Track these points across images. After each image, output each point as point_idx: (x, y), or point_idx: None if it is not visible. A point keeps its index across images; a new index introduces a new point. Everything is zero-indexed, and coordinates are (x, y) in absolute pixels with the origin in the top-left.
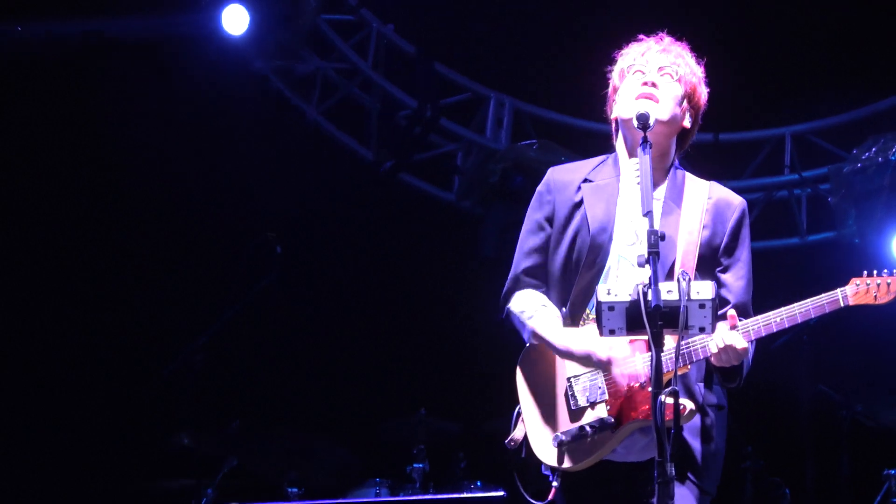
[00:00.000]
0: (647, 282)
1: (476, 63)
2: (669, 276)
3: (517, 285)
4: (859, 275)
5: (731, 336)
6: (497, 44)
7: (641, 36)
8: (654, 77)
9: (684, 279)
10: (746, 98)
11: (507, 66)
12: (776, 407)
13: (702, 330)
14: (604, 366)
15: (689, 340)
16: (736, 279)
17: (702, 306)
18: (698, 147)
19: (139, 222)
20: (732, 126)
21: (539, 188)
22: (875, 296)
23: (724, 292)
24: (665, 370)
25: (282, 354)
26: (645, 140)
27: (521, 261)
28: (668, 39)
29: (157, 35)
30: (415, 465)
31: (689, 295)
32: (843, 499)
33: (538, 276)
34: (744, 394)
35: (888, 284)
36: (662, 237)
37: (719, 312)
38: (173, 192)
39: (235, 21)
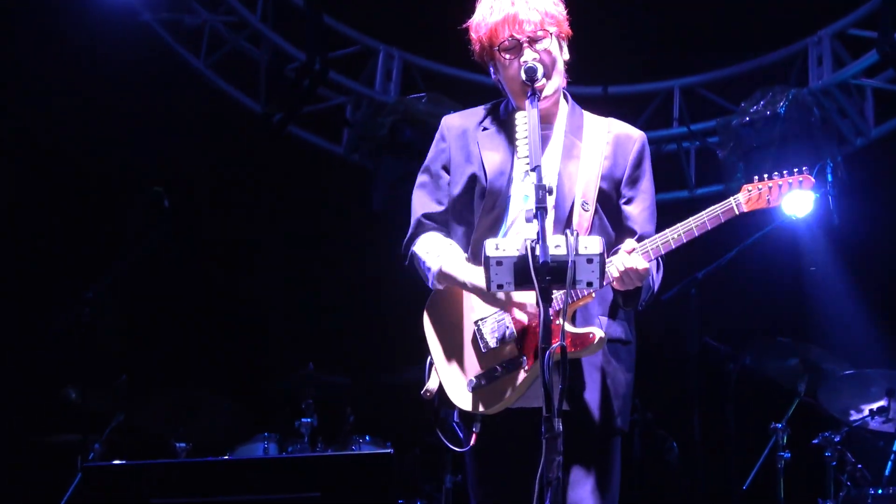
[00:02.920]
0: (535, 237)
1: (365, 16)
2: (570, 215)
3: (420, 229)
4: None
5: (631, 258)
6: None
7: None
8: (532, 53)
9: (573, 235)
10: (635, 51)
11: (396, 19)
12: (664, 360)
13: (589, 285)
14: (506, 305)
15: None
16: (640, 210)
17: (589, 261)
18: (587, 100)
19: (24, 173)
20: (621, 79)
21: (437, 135)
22: (768, 199)
23: (629, 223)
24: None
25: (170, 308)
26: (533, 92)
27: (422, 206)
28: None
29: None
30: (303, 420)
31: (576, 250)
32: (730, 452)
33: (439, 221)
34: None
35: (779, 186)
36: (550, 192)
37: (625, 243)
38: (60, 143)
39: None
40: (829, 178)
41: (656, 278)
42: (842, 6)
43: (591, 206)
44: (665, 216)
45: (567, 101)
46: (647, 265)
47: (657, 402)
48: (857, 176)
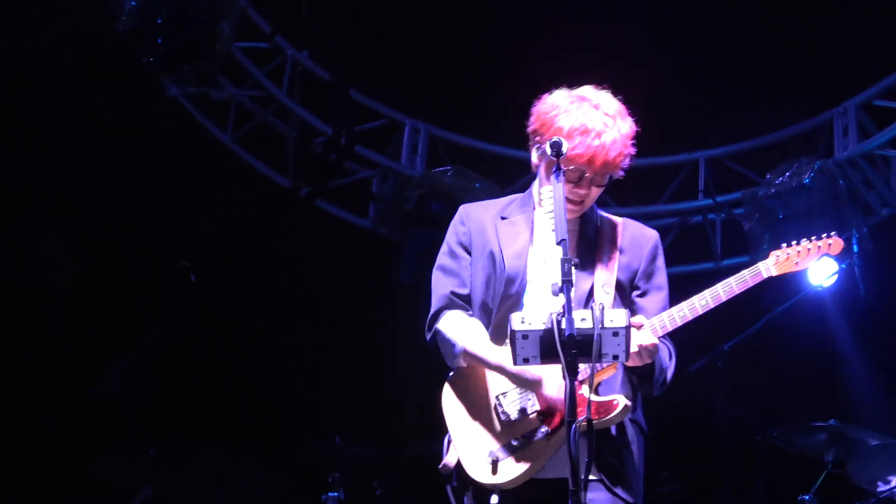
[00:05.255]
0: (561, 310)
1: (391, 90)
2: (587, 303)
3: (446, 305)
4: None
5: (640, 335)
6: (411, 70)
7: (586, 96)
8: (586, 188)
9: (598, 308)
10: (660, 123)
11: (421, 93)
12: (692, 432)
13: (615, 358)
14: (533, 385)
15: None
16: (653, 303)
17: (615, 334)
18: None
19: (56, 245)
20: (646, 151)
21: (454, 220)
22: (797, 262)
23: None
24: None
25: (196, 382)
26: (558, 168)
27: (445, 285)
28: (612, 132)
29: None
30: (330, 494)
31: (602, 323)
32: None
33: (463, 300)
34: (660, 418)
35: (808, 250)
36: (576, 265)
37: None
38: (90, 217)
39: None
40: (855, 248)
41: (669, 365)
42: (867, 77)
43: (611, 291)
44: (691, 288)
45: None
46: (654, 340)
47: (685, 474)
48: (882, 246)
